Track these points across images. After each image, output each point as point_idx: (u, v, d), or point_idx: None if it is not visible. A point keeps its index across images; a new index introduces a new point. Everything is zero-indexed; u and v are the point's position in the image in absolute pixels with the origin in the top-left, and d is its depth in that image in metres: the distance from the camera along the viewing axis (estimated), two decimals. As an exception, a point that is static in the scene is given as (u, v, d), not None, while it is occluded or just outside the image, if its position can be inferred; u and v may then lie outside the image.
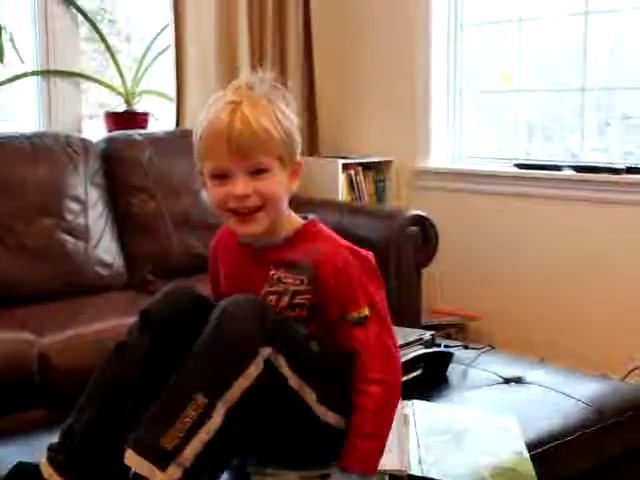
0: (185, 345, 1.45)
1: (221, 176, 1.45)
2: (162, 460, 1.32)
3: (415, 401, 1.82)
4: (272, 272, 1.49)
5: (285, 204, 1.51)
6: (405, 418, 1.72)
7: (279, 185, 1.47)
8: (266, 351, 1.37)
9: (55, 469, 1.45)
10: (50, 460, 1.46)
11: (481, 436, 1.69)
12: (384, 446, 1.44)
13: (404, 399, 1.77)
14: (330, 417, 1.45)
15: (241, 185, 1.43)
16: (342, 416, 1.45)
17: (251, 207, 1.45)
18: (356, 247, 1.52)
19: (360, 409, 1.43)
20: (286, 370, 1.40)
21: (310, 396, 1.43)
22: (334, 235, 1.53)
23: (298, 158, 1.51)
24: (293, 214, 1.55)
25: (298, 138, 1.50)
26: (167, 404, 1.37)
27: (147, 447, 1.34)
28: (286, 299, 1.47)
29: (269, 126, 1.43)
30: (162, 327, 1.47)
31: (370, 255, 1.53)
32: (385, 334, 1.47)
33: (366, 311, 1.46)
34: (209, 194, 1.50)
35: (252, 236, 1.50)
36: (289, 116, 1.48)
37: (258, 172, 1.44)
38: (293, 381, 1.41)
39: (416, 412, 1.76)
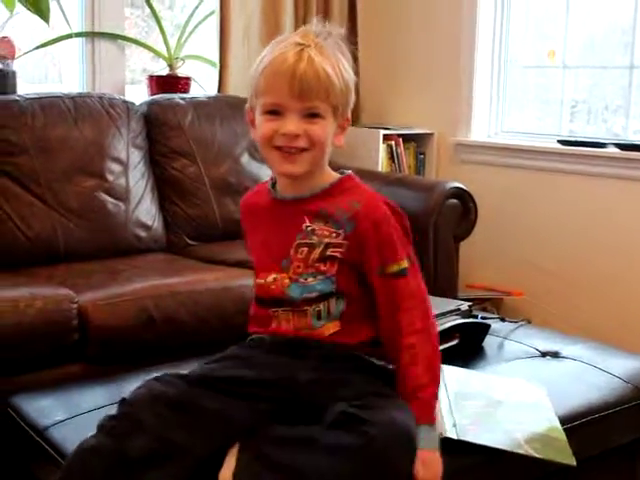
0: None
1: (274, 112, 1.45)
2: None
3: (445, 366, 1.80)
4: (306, 224, 1.49)
5: (327, 156, 1.51)
6: (438, 383, 1.72)
7: (328, 133, 1.48)
8: None
9: None
10: None
11: (513, 403, 1.69)
12: (437, 393, 1.44)
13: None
14: None
15: (293, 124, 1.44)
16: None
17: (297, 147, 1.45)
18: (391, 201, 1.52)
19: (414, 359, 1.42)
20: None
21: None
22: (370, 189, 1.53)
23: (349, 114, 1.53)
24: (330, 169, 1.55)
25: (353, 94, 1.51)
26: None
27: None
28: (318, 251, 1.47)
29: (332, 74, 1.44)
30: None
31: (403, 212, 1.53)
32: (423, 285, 1.49)
33: (406, 263, 1.46)
34: (257, 129, 1.50)
35: (292, 176, 1.50)
36: (349, 71, 1.50)
37: (311, 116, 1.45)
38: None
39: (447, 378, 1.76)
